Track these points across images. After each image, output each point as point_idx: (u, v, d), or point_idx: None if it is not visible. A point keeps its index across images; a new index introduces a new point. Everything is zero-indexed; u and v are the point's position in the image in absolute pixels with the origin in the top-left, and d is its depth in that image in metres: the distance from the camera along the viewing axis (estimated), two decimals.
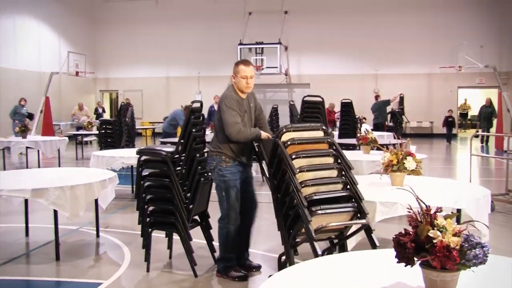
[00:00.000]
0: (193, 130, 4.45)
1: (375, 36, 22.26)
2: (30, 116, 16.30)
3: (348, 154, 6.94)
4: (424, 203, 1.82)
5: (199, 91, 23.78)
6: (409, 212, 1.82)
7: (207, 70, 23.80)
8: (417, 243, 1.69)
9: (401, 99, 16.94)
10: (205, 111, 6.69)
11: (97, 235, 5.72)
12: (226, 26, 23.30)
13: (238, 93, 4.32)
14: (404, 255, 1.69)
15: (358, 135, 7.75)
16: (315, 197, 3.33)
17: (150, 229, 4.55)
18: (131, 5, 24.60)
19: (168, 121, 12.05)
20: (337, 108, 15.07)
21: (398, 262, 1.75)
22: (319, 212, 3.28)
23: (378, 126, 14.93)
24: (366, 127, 11.27)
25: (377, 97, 16.24)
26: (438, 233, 1.67)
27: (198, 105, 4.63)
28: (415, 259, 1.71)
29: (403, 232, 1.80)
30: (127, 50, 24.62)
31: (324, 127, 3.74)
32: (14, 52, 19.38)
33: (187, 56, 23.91)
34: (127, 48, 24.62)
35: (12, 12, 19.51)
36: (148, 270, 4.52)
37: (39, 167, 11.60)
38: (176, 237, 4.56)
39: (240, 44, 22.48)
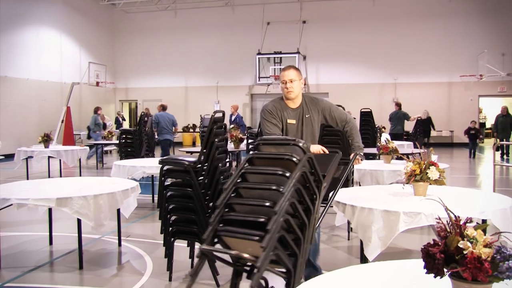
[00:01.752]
0: (216, 140, 4.47)
1: (394, 45, 22.19)
2: (104, 126, 16.62)
3: (369, 164, 6.95)
4: (453, 213, 1.81)
5: (218, 100, 23.90)
6: (438, 222, 1.81)
7: (226, 80, 23.94)
8: (446, 254, 1.68)
9: (429, 118, 16.86)
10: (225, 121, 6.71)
11: (119, 244, 5.76)
12: (245, 36, 23.44)
13: (286, 101, 4.13)
14: (434, 266, 1.68)
15: (378, 144, 7.72)
16: (226, 217, 2.75)
17: (172, 239, 4.57)
18: (150, 16, 24.89)
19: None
20: (355, 117, 15.01)
21: (427, 273, 1.74)
22: (221, 233, 2.71)
23: (396, 135, 14.84)
24: (386, 136, 11.22)
25: (397, 105, 16.06)
26: (469, 244, 1.66)
27: (220, 115, 4.65)
28: (445, 270, 1.69)
29: (431, 242, 1.79)
30: (146, 60, 24.89)
31: (299, 142, 2.89)
32: (37, 63, 19.72)
33: (206, 66, 24.08)
34: (146, 58, 24.89)
35: (36, 24, 19.87)
36: (170, 280, 4.54)
37: (60, 176, 11.75)
38: (198, 246, 4.57)
39: (259, 53, 22.58)
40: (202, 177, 4.50)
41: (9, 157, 13.23)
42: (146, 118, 12.58)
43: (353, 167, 4.40)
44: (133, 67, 25.23)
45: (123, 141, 11.15)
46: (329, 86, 22.82)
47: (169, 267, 4.57)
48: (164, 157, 5.14)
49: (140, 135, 11.27)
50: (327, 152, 3.95)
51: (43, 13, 20.23)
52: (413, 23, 22.21)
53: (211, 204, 4.47)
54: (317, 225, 3.19)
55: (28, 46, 19.33)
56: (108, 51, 25.04)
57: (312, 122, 4.14)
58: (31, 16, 19.52)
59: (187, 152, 11.44)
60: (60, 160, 11.63)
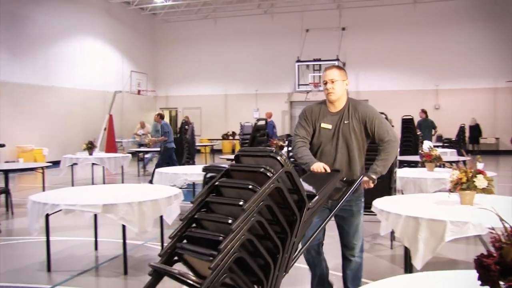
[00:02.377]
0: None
1: (435, 50, 21.81)
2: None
3: (412, 172, 6.83)
4: (507, 223, 1.76)
5: (257, 108, 23.99)
6: (491, 232, 1.76)
7: (265, 88, 24.03)
8: (502, 266, 1.63)
9: (477, 125, 16.19)
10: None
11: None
12: (284, 43, 23.49)
13: (327, 104, 3.78)
14: (489, 278, 1.64)
15: (421, 152, 7.58)
16: (189, 233, 2.64)
17: None
18: (190, 24, 25.25)
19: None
20: (395, 124, 14.78)
21: (481, 285, 1.70)
22: (178, 251, 2.65)
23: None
24: (428, 144, 11.01)
25: (424, 113, 15.60)
26: None
27: (263, 122, 4.68)
28: (501, 283, 1.65)
29: (480, 253, 1.75)
30: (186, 69, 25.24)
31: (277, 154, 2.64)
32: (82, 73, 20.26)
33: (245, 73, 24.23)
34: (186, 66, 25.24)
35: (81, 35, 20.46)
36: None
37: (104, 183, 12.01)
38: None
39: (298, 61, 22.58)
40: None
41: (56, 164, 13.63)
42: (186, 126, 12.73)
43: (362, 189, 3.81)
44: (174, 75, 25.63)
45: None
46: (369, 93, 22.60)
47: None
48: (208, 165, 5.19)
49: (181, 142, 11.41)
50: (328, 170, 3.48)
51: (88, 25, 20.81)
52: (454, 28, 21.79)
53: None
54: (298, 253, 2.74)
55: (74, 56, 19.91)
56: (149, 60, 25.51)
57: (350, 130, 3.67)
58: (77, 28, 20.10)
59: (228, 159, 11.51)
60: (103, 167, 11.88)
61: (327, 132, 3.70)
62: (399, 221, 3.73)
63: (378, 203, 4.08)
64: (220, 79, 24.79)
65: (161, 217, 5.52)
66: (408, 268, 3.78)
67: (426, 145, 10.34)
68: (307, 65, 22.63)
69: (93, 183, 12.01)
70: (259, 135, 4.56)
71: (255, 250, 2.39)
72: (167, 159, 11.44)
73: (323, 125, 3.71)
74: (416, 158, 8.42)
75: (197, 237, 2.54)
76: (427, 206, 4.08)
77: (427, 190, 6.06)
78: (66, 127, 19.03)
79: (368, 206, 4.10)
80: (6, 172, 8.91)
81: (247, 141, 4.63)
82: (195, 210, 2.62)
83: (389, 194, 5.56)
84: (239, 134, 19.35)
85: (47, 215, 4.81)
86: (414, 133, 11.67)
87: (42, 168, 9.81)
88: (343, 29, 23.04)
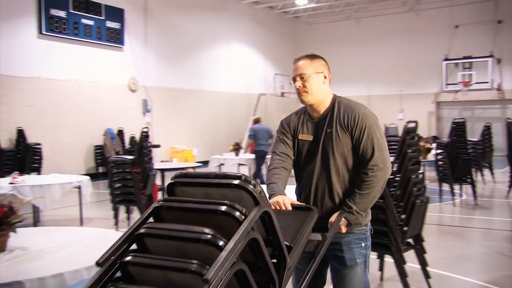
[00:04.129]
0: (408, 151, 4.31)
1: None
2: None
3: None
4: None
5: (402, 109, 23.16)
6: None
7: (410, 88, 23.10)
8: None
9: None
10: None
11: None
12: (430, 41, 22.39)
13: (308, 109, 2.86)
14: None
15: None
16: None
17: None
18: (332, 26, 25.17)
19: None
20: None
21: None
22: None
23: None
24: None
25: None
26: None
27: (413, 125, 4.48)
28: None
29: None
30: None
31: (247, 181, 1.80)
32: (227, 77, 21.21)
33: (389, 73, 23.53)
34: (329, 67, 25.13)
35: (227, 40, 21.44)
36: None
37: None
38: (387, 259, 4.44)
39: (446, 59, 21.38)
40: (393, 189, 4.37)
41: (205, 163, 14.44)
42: None
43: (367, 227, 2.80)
44: None
45: None
46: None
47: None
48: None
49: None
50: (292, 206, 2.50)
51: (234, 31, 21.73)
52: None
53: (403, 216, 4.31)
54: None
55: (221, 61, 20.91)
56: (291, 62, 25.84)
57: (333, 141, 2.67)
58: (224, 34, 21.09)
59: None
60: (249, 167, 12.31)
61: (306, 145, 2.78)
62: None
63: None
64: (363, 80, 24.35)
65: None
66: None
67: None
68: (456, 63, 21.30)
69: None
70: (409, 138, 4.37)
71: None
72: None
73: (301, 136, 2.80)
74: None
75: None
76: None
77: None
78: (213, 128, 20.05)
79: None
80: (163, 171, 9.63)
81: (393, 143, 4.42)
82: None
83: None
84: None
85: None
86: None
87: (193, 168, 10.43)
88: (499, 22, 21.29)
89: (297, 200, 2.76)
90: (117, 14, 15.98)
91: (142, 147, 7.48)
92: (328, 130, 2.68)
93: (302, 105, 2.93)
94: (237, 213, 1.68)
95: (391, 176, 4.33)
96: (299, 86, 2.76)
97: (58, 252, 3.11)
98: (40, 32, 13.76)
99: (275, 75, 22.07)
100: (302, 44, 26.22)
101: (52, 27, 13.94)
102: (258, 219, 1.75)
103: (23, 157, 12.48)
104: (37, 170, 12.41)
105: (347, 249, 2.69)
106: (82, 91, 14.85)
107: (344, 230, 2.62)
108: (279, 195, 2.57)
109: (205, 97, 19.87)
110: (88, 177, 7.71)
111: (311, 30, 26.01)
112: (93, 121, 15.14)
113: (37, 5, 13.68)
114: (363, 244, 2.73)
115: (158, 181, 8.74)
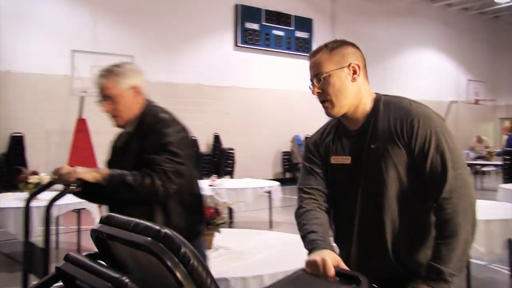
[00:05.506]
0: None
1: None
2: None
3: None
4: None
5: None
6: None
7: None
8: None
9: None
10: None
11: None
12: None
13: (342, 119, 2.07)
14: None
15: None
16: None
17: None
18: None
19: None
20: None
21: None
22: None
23: None
24: None
25: None
26: None
27: None
28: None
29: None
30: None
31: (169, 238, 1.26)
32: (416, 83, 20.39)
33: None
34: None
35: (414, 46, 20.66)
36: None
37: None
38: None
39: None
40: None
41: None
42: None
43: None
44: None
45: (508, 162, 10.40)
46: None
47: None
48: None
49: None
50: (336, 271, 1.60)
51: (422, 35, 20.85)
52: None
53: None
54: None
55: (407, 67, 20.22)
56: (488, 67, 23.92)
57: (382, 162, 1.83)
58: (411, 39, 20.37)
59: None
60: None
61: (343, 170, 1.93)
62: None
63: None
64: None
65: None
66: None
67: None
68: None
69: None
70: None
71: None
72: None
73: (334, 158, 1.96)
74: None
75: None
76: None
77: None
78: None
79: None
80: None
81: None
82: None
83: None
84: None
85: None
86: None
87: None
88: None
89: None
90: (305, 24, 16.45)
91: None
92: (372, 146, 1.85)
93: None
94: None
95: None
96: (317, 92, 1.89)
97: (256, 254, 3.26)
98: (235, 44, 14.81)
99: (468, 81, 20.61)
100: (502, 46, 24.06)
101: (246, 39, 14.90)
102: None
103: (218, 161, 13.51)
104: (230, 174, 13.31)
105: None
106: (273, 99, 15.57)
107: None
108: (323, 249, 1.68)
109: None
110: (278, 183, 8.03)
111: (510, 31, 23.73)
112: (282, 128, 15.76)
113: (234, 20, 14.75)
114: None
115: None
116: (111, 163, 2.62)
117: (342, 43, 1.91)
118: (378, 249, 1.83)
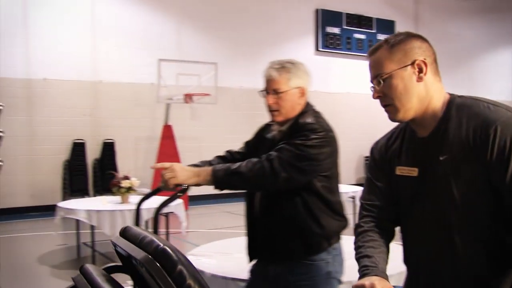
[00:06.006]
0: None
1: None
2: None
3: None
4: None
5: None
6: None
7: None
8: None
9: None
10: None
11: None
12: None
13: (410, 124, 1.86)
14: None
15: None
16: None
17: None
18: None
19: None
20: None
21: None
22: None
23: None
24: None
25: None
26: None
27: None
28: None
29: None
30: None
31: (162, 258, 1.20)
32: (503, 84, 19.38)
33: None
34: None
35: (504, 45, 19.64)
36: None
37: None
38: None
39: None
40: None
41: None
42: None
43: None
44: None
45: None
46: None
47: None
48: None
49: None
50: None
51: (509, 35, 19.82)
52: None
53: None
54: None
55: (494, 66, 19.27)
56: None
57: (452, 177, 1.53)
58: (498, 37, 19.37)
59: None
60: None
61: (409, 183, 1.66)
62: None
63: None
64: None
65: None
66: None
67: None
68: None
69: None
70: None
71: None
72: None
73: (400, 169, 1.69)
74: None
75: None
76: None
77: None
78: None
79: None
80: None
81: None
82: None
83: None
84: None
85: None
86: None
87: None
88: None
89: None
90: (388, 26, 16.08)
91: None
92: (441, 158, 1.55)
93: None
94: None
95: None
96: (378, 96, 1.65)
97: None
98: (316, 49, 14.76)
99: None
100: None
101: (327, 43, 14.81)
102: None
103: None
104: None
105: None
106: (354, 103, 15.36)
107: None
108: (374, 276, 1.50)
109: None
110: (361, 188, 7.89)
111: None
112: (364, 132, 15.47)
113: (315, 24, 14.72)
114: None
115: None
116: (253, 150, 2.58)
117: (405, 37, 1.64)
118: (448, 276, 1.57)
